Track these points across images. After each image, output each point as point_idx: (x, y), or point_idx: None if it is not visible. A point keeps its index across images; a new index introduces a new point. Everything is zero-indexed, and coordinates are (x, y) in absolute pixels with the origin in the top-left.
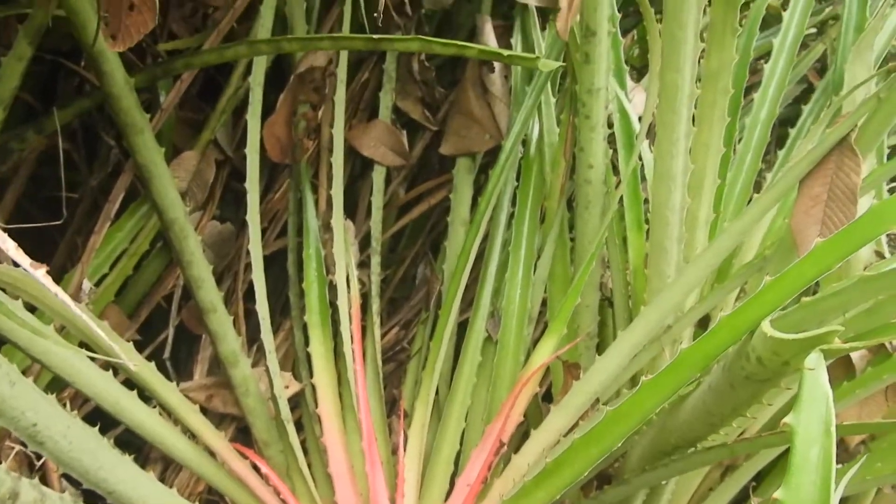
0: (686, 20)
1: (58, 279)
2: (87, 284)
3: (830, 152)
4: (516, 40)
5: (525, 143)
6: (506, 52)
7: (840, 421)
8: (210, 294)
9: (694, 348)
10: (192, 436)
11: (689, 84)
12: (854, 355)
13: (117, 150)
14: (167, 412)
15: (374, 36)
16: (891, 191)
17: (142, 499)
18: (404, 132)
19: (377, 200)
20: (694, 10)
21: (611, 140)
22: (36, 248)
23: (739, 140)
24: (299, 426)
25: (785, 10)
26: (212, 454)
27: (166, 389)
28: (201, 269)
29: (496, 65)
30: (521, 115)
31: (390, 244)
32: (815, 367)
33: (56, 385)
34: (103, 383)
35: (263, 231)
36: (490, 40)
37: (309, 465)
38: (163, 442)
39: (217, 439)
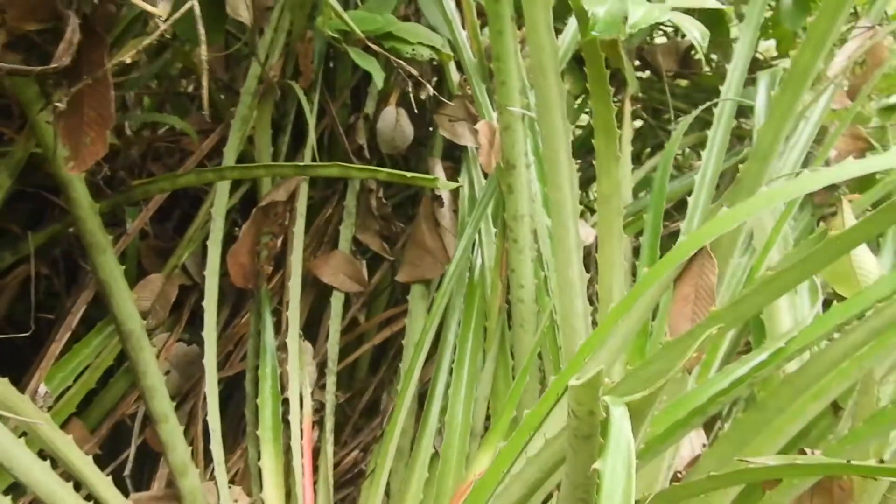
0: (558, 145)
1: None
2: (42, 388)
3: (694, 257)
4: (463, 178)
5: (471, 269)
6: (409, 175)
7: None
8: (162, 404)
9: (532, 413)
10: None
11: (571, 200)
12: None
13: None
14: None
15: (300, 164)
16: None
17: None
18: (364, 262)
19: (335, 324)
20: (563, 136)
21: None
22: (11, 365)
23: None
24: None
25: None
26: None
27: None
28: (155, 379)
29: (446, 200)
30: (462, 242)
31: (353, 371)
32: (620, 416)
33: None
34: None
35: (229, 353)
36: (439, 176)
37: None
38: None
39: None
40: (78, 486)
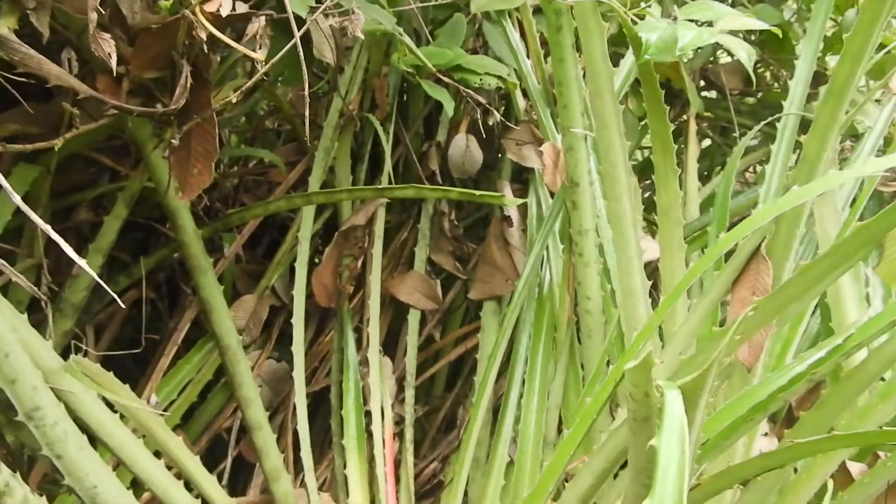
0: (616, 160)
1: None
2: (153, 399)
3: (749, 260)
4: (530, 197)
5: (540, 284)
6: (478, 193)
7: None
8: (257, 413)
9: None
10: None
11: (630, 212)
12: (853, 468)
13: (192, 298)
14: None
15: (379, 187)
16: None
17: None
18: (438, 281)
19: (412, 340)
20: (620, 151)
21: None
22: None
23: None
24: None
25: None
26: None
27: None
28: (250, 390)
29: (514, 220)
30: (531, 259)
31: (430, 386)
32: (673, 398)
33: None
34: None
35: (314, 370)
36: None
37: None
38: None
39: None
40: (188, 486)
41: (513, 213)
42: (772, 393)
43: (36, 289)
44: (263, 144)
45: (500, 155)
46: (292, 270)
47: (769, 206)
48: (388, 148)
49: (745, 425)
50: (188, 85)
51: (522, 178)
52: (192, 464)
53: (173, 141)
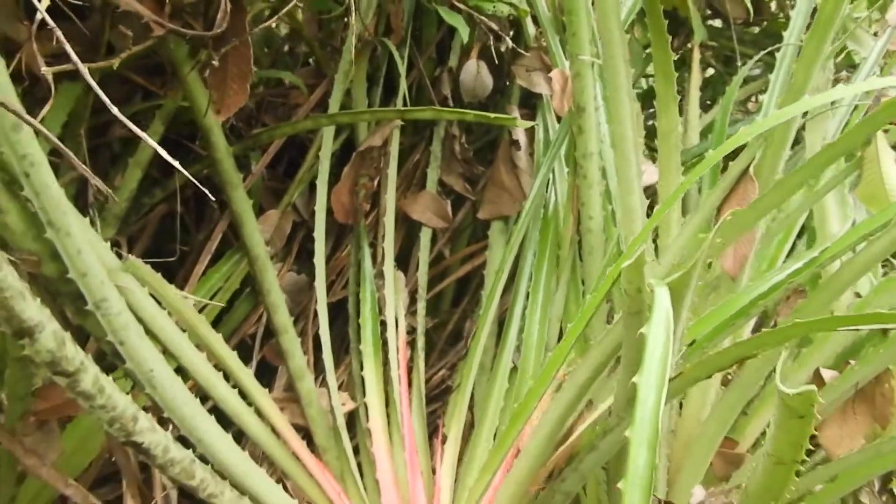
0: (620, 86)
1: None
2: (190, 301)
3: (738, 180)
4: (538, 123)
5: (545, 205)
6: (493, 115)
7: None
8: (283, 318)
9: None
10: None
11: (632, 135)
12: (826, 374)
13: (219, 213)
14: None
15: (399, 108)
16: None
17: (219, 450)
18: (448, 201)
19: (424, 256)
20: (623, 75)
21: None
22: None
23: None
24: (353, 438)
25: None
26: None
27: (258, 393)
28: (277, 296)
29: (522, 143)
30: (537, 181)
31: (440, 301)
32: (661, 293)
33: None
34: (207, 370)
35: (333, 282)
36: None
37: (360, 471)
38: (241, 419)
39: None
40: (226, 376)
41: (521, 138)
42: (753, 299)
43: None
44: (281, 68)
45: (509, 81)
46: (312, 188)
47: (754, 125)
48: (402, 72)
49: (729, 329)
50: (228, 10)
51: (531, 104)
52: (229, 357)
53: (213, 63)
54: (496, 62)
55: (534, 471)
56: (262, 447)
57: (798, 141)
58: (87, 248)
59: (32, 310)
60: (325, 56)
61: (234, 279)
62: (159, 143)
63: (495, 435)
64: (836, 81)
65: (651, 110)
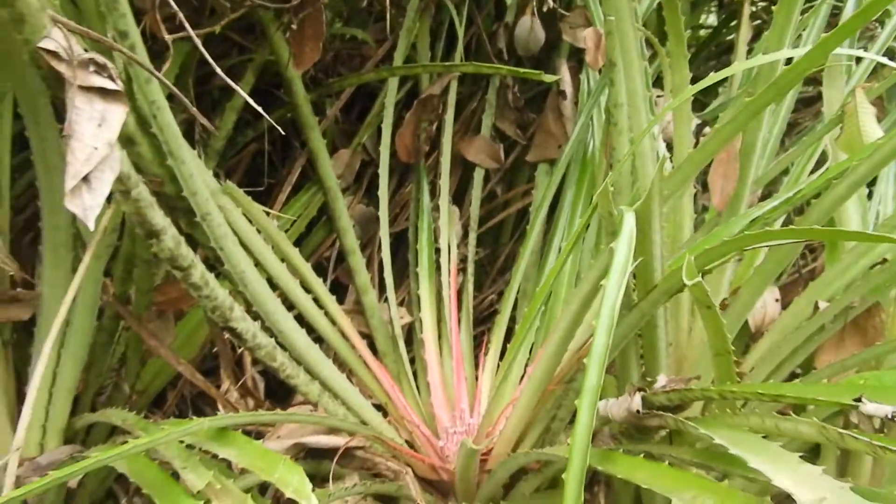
0: (630, 46)
1: None
2: (275, 224)
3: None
4: (584, 76)
5: (585, 150)
6: (522, 70)
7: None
8: (351, 241)
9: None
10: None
11: (641, 89)
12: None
13: (300, 151)
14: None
15: (448, 63)
16: None
17: (295, 341)
18: (501, 145)
19: (476, 193)
20: (632, 37)
21: None
22: None
23: None
24: (409, 348)
25: None
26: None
27: (330, 301)
28: (346, 222)
29: (568, 94)
30: (577, 128)
31: (494, 235)
32: (628, 216)
33: None
34: (287, 278)
35: (395, 215)
36: (565, 75)
37: (413, 375)
38: (315, 321)
39: (355, 337)
40: (307, 289)
41: (567, 88)
42: (734, 232)
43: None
44: (357, 24)
45: (560, 36)
46: (379, 131)
47: (741, 63)
48: (461, 29)
49: (715, 259)
50: None
51: (579, 58)
52: (306, 270)
53: (293, 26)
54: (548, 20)
55: (550, 372)
56: (332, 346)
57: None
58: (197, 173)
59: (159, 217)
60: (393, 14)
61: (311, 208)
62: (250, 92)
63: (531, 349)
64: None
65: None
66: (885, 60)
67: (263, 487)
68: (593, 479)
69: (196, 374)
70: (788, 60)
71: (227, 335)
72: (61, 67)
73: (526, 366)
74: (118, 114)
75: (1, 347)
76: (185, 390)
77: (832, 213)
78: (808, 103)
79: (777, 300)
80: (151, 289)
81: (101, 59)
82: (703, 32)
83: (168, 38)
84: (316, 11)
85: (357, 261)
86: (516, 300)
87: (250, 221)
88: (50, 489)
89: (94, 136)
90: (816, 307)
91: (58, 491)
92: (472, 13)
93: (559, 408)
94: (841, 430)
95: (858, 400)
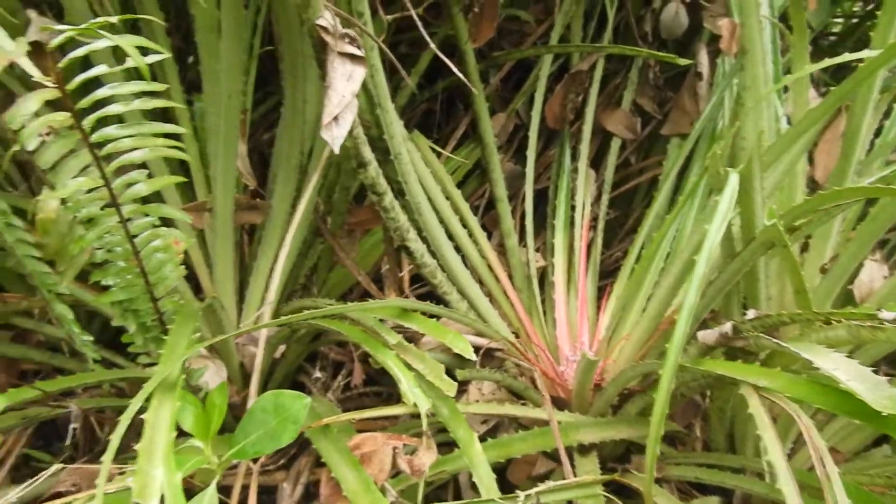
0: (754, 38)
1: None
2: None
3: (835, 114)
4: (721, 60)
5: (714, 127)
6: (660, 54)
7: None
8: (500, 190)
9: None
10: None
11: (762, 74)
12: None
13: (463, 112)
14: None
15: (596, 45)
16: None
17: (452, 264)
18: (639, 119)
19: (612, 160)
20: (756, 31)
21: None
22: None
23: None
24: (541, 289)
25: None
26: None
27: (481, 236)
28: (497, 174)
29: (705, 76)
30: (708, 107)
31: (626, 199)
32: (732, 177)
33: None
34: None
35: (539, 175)
36: (703, 59)
37: (543, 310)
38: (467, 251)
39: (499, 269)
40: (463, 224)
41: (704, 70)
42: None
43: None
44: (519, 5)
45: (701, 22)
46: (531, 99)
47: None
48: (611, 13)
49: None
50: None
51: (718, 43)
52: (465, 208)
53: (475, 9)
54: (692, 6)
55: (661, 312)
56: (479, 274)
57: None
58: (395, 121)
59: (367, 152)
60: None
61: (470, 160)
62: (430, 61)
63: (648, 299)
64: None
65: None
66: None
67: None
68: (690, 409)
69: (371, 284)
70: None
71: (400, 253)
72: (328, 38)
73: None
74: (360, 73)
75: (234, 244)
76: (356, 299)
77: None
78: None
79: (885, 277)
80: (344, 211)
81: (352, 32)
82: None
83: (387, 17)
84: None
85: (504, 208)
86: (639, 257)
87: (425, 164)
88: (265, 354)
89: (344, 88)
90: None
91: (269, 353)
92: None
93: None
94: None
95: (878, 310)
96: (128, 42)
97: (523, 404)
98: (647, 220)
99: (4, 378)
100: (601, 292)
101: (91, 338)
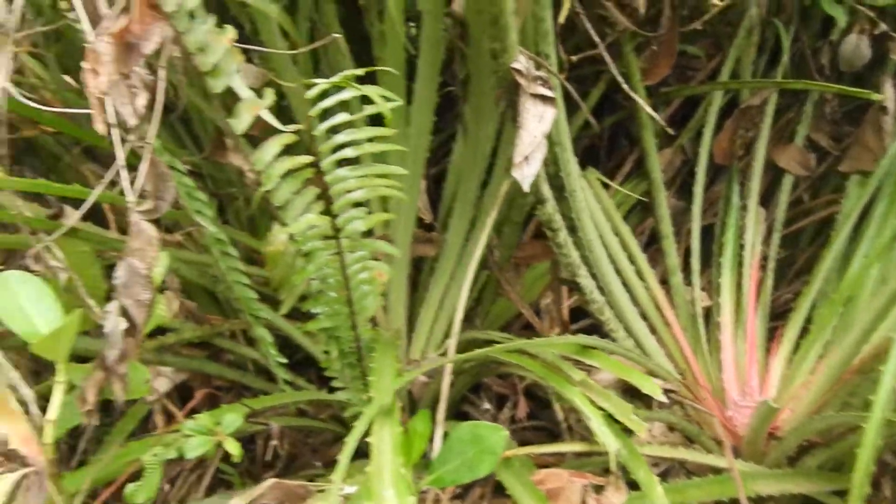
0: None
1: None
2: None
3: None
4: None
5: None
6: (836, 87)
7: None
8: (666, 227)
9: None
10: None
11: None
12: None
13: (628, 148)
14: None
15: (770, 80)
16: None
17: (619, 301)
18: (813, 155)
19: (784, 197)
20: None
21: None
22: None
23: None
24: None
25: None
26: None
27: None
28: (663, 210)
29: (890, 110)
30: (895, 143)
31: (797, 239)
32: None
33: None
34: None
35: (704, 210)
36: (888, 92)
37: (709, 351)
38: (634, 287)
39: (666, 307)
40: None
41: (889, 104)
42: None
43: None
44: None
45: (886, 54)
46: (698, 134)
47: None
48: (786, 47)
49: None
50: (670, 17)
51: None
52: (633, 243)
53: (654, 48)
54: (876, 38)
55: (847, 361)
56: (645, 311)
57: None
58: (570, 158)
59: (545, 189)
60: (722, 32)
61: (632, 197)
62: (599, 99)
63: (825, 347)
64: None
65: None
66: None
67: None
68: (879, 466)
69: (535, 318)
70: None
71: (561, 288)
72: (521, 80)
73: (819, 360)
74: (551, 114)
75: (407, 277)
76: (515, 331)
77: None
78: None
79: None
80: (514, 245)
81: (543, 74)
82: None
83: (571, 58)
84: (671, 39)
85: (669, 245)
86: (814, 301)
87: (595, 200)
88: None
89: (535, 128)
90: None
91: (437, 382)
92: (799, 30)
93: (852, 395)
94: None
95: None
96: (373, 91)
97: (695, 449)
98: (823, 262)
99: (202, 393)
100: (770, 335)
101: (285, 360)
